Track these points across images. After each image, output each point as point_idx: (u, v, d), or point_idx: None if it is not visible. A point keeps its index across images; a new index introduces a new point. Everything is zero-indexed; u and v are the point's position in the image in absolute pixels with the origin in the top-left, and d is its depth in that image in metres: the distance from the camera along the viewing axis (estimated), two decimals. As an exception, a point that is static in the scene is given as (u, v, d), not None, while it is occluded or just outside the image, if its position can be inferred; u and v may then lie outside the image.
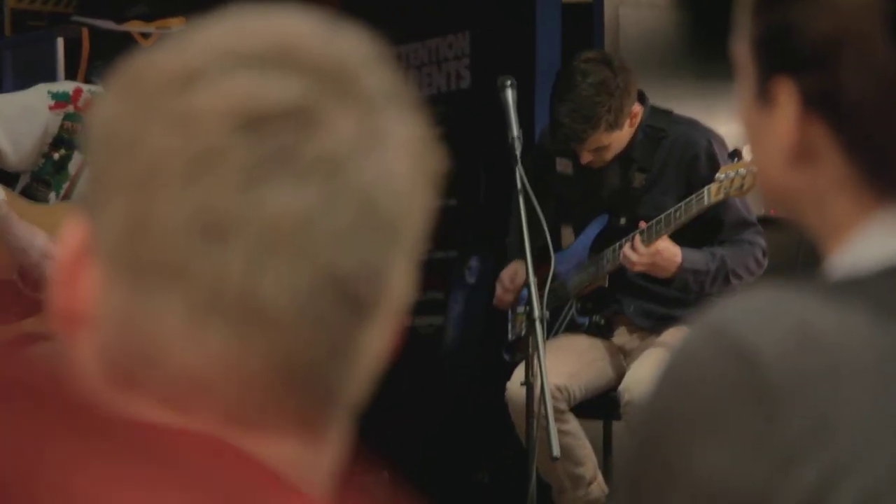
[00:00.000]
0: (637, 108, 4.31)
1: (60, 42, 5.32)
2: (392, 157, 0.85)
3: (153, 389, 0.83)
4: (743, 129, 1.21)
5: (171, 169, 0.82)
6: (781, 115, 1.14)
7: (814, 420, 1.01)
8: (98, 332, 0.85)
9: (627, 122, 4.28)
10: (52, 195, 4.13)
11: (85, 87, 4.22)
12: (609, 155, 4.31)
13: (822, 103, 1.11)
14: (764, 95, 1.15)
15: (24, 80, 4.40)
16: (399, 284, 0.87)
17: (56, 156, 4.14)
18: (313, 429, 0.86)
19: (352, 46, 0.87)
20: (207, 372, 0.82)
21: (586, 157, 4.30)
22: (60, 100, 4.14)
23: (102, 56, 4.37)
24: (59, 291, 0.87)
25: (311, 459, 0.86)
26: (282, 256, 0.82)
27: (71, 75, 5.28)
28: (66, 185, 4.14)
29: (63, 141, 4.13)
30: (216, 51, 0.85)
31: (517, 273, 4.41)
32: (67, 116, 4.13)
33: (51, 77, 5.29)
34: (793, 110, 1.13)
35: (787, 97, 1.13)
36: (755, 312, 1.06)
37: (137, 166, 0.83)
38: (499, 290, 4.53)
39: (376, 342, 0.87)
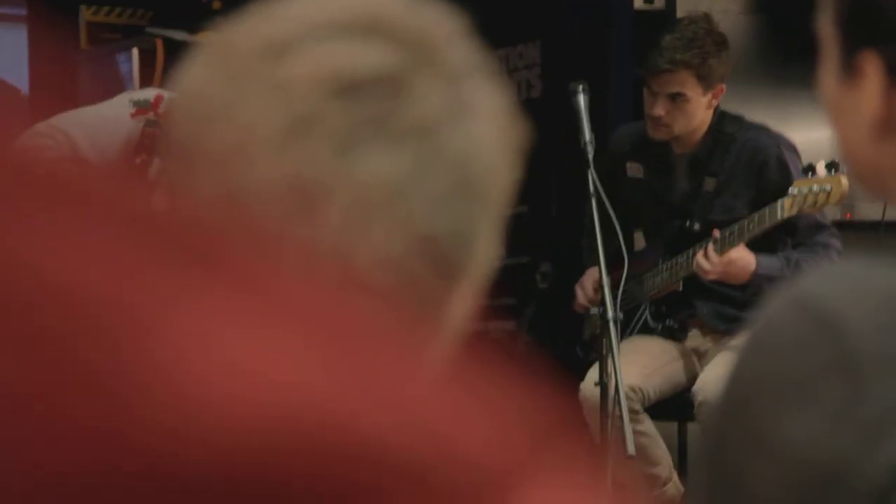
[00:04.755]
0: (721, 89, 4.31)
1: (135, 53, 5.38)
2: (480, 125, 0.87)
3: None
4: (826, 106, 1.21)
5: (267, 136, 0.83)
6: (867, 89, 1.14)
7: None
8: None
9: (708, 99, 4.28)
10: None
11: (167, 94, 4.29)
12: (679, 123, 4.27)
13: None
14: (849, 70, 1.16)
15: (99, 92, 4.45)
16: (485, 248, 0.88)
17: (137, 161, 4.20)
18: None
19: (435, 19, 0.89)
20: None
21: (660, 108, 4.25)
22: (142, 107, 4.21)
23: (177, 67, 4.42)
24: None
25: None
26: (378, 222, 0.83)
27: (147, 84, 5.34)
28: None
29: (144, 147, 4.20)
30: (305, 21, 0.86)
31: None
32: (148, 123, 4.20)
33: (124, 89, 5.36)
34: (879, 84, 1.13)
35: (872, 71, 1.14)
36: (842, 283, 1.05)
37: (231, 134, 0.84)
38: (580, 296, 4.53)
39: (461, 306, 0.88)
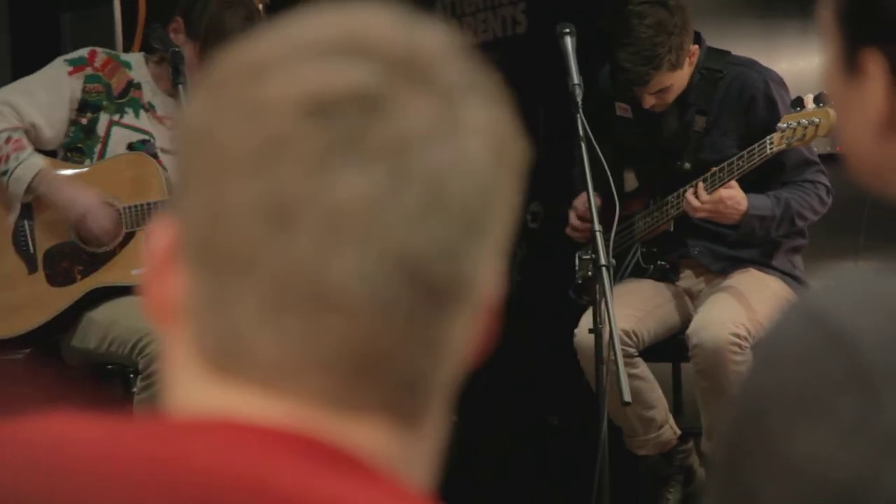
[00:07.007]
0: (694, 48, 4.29)
1: (117, 5, 5.34)
2: (469, 146, 0.85)
3: (245, 375, 0.84)
4: (830, 97, 1.20)
5: (241, 158, 0.83)
6: (870, 86, 1.12)
7: None
8: (189, 325, 0.87)
9: (687, 61, 4.27)
10: (87, 161, 4.19)
11: (100, 49, 4.29)
12: (671, 97, 4.30)
13: None
14: (851, 66, 1.14)
15: (82, 44, 4.41)
16: (484, 278, 0.87)
17: (84, 121, 4.20)
18: (405, 418, 0.86)
19: (430, 38, 0.88)
20: (285, 359, 0.83)
21: (649, 101, 4.28)
22: (77, 64, 4.20)
23: (160, 19, 4.39)
24: (151, 286, 0.89)
25: (406, 449, 0.86)
26: (349, 241, 0.82)
27: (129, 38, 5.30)
28: (98, 148, 4.20)
29: (88, 104, 4.19)
30: (288, 42, 0.86)
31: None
32: (87, 79, 4.20)
33: (109, 40, 5.32)
34: (882, 83, 1.12)
35: (875, 69, 1.12)
36: (852, 294, 1.04)
37: (212, 158, 0.85)
38: (572, 218, 4.53)
39: (464, 334, 0.87)
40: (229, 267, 0.84)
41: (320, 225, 0.82)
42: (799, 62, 5.07)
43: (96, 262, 4.17)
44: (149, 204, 4.13)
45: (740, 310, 4.13)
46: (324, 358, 0.83)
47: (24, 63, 5.11)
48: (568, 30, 4.05)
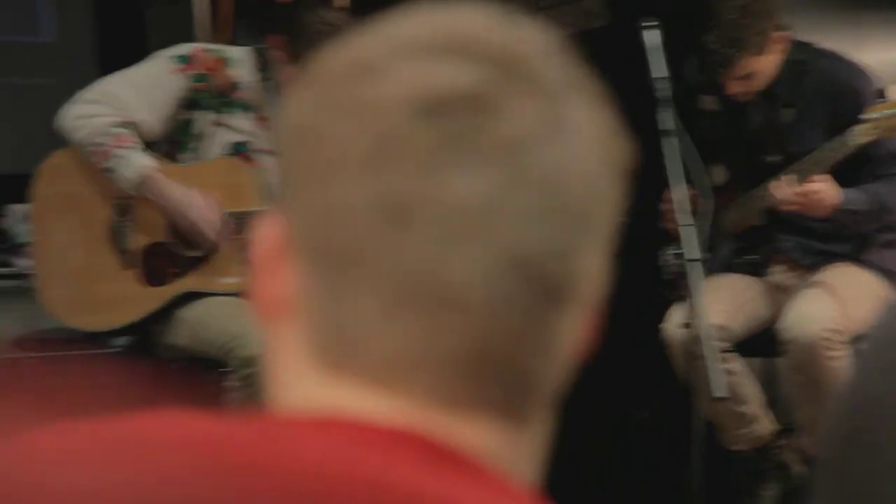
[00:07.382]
0: (783, 35, 4.26)
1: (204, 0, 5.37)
2: (575, 144, 0.85)
3: (359, 372, 0.85)
4: None
5: (353, 156, 0.84)
6: None
7: None
8: (302, 321, 0.87)
9: (774, 49, 4.24)
10: (189, 157, 4.20)
11: (204, 45, 4.28)
12: (757, 84, 4.27)
13: None
14: None
15: (167, 40, 4.44)
16: (592, 275, 0.87)
17: (186, 118, 4.20)
18: (514, 417, 0.86)
19: (531, 38, 0.88)
20: (403, 357, 0.84)
21: (734, 87, 4.25)
22: (183, 62, 4.20)
23: (246, 15, 4.40)
24: (261, 283, 0.89)
25: (514, 448, 0.87)
26: (466, 239, 0.82)
27: (214, 33, 5.32)
28: (198, 146, 4.21)
29: (191, 103, 4.19)
30: (394, 42, 0.87)
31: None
32: (193, 78, 4.19)
33: (192, 35, 5.35)
34: None
35: None
36: None
37: (321, 156, 0.85)
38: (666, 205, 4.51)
39: (571, 332, 0.88)
40: (345, 264, 0.84)
41: (436, 223, 0.82)
42: (886, 55, 5.03)
43: (188, 265, 4.19)
44: (244, 213, 4.13)
45: (833, 304, 4.09)
46: (441, 356, 0.83)
47: (110, 58, 5.15)
48: (651, 23, 4.03)
